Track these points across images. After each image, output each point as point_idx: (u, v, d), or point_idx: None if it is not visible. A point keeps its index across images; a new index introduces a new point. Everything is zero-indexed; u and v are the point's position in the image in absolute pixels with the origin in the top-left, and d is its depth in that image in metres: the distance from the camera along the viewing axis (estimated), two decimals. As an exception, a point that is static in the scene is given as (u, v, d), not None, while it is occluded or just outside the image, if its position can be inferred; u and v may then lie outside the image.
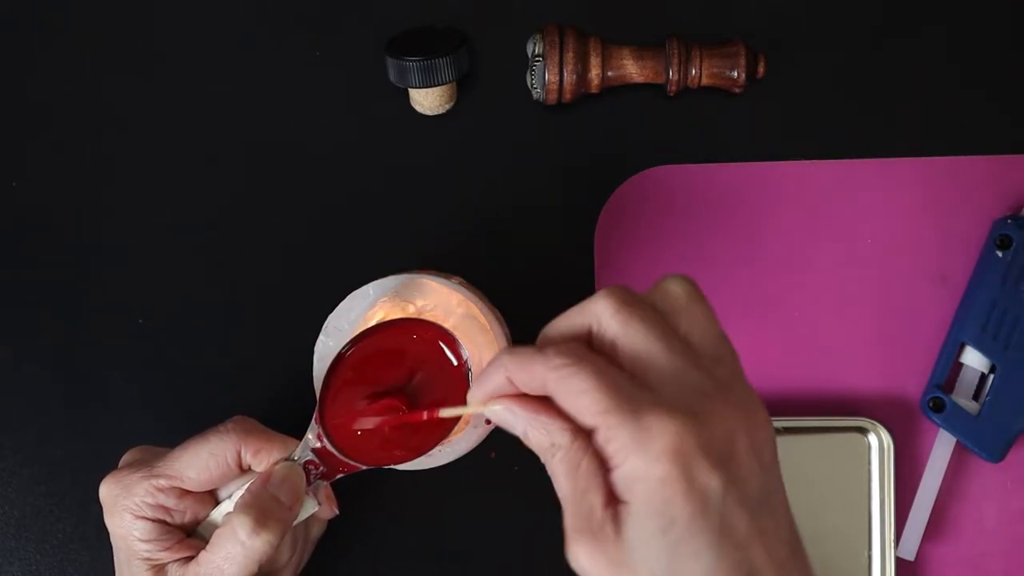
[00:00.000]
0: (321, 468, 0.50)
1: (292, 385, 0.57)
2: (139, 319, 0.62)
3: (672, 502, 0.36)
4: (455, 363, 0.49)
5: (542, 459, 0.40)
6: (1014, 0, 0.63)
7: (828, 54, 0.63)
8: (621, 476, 0.37)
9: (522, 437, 0.40)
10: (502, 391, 0.40)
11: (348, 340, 0.50)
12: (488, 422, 0.52)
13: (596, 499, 0.38)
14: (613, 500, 0.38)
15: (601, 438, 0.38)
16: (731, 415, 0.38)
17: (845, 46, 0.63)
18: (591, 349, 0.39)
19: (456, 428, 0.49)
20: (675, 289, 0.40)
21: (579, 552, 0.38)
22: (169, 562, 0.49)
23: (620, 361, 0.39)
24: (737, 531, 0.37)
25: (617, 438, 0.37)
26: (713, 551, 0.36)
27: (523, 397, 0.40)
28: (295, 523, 0.50)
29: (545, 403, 0.40)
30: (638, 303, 0.39)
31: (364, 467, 0.49)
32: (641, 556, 0.37)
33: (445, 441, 0.49)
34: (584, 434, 0.39)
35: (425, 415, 0.47)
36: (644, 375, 0.38)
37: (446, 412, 0.46)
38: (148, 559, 0.49)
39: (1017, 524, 0.62)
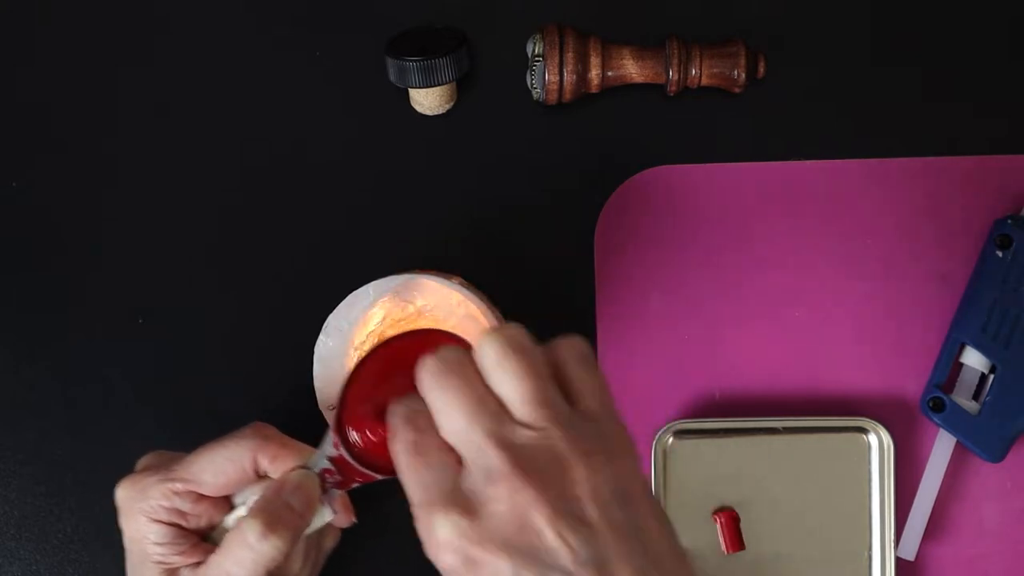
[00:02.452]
0: (337, 477, 0.49)
1: (292, 385, 0.57)
2: (139, 319, 0.62)
3: None
4: None
5: None
6: (1013, 0, 0.63)
7: (828, 54, 0.63)
8: None
9: None
10: None
11: (369, 348, 0.49)
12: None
13: None
14: None
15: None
16: (513, 495, 0.38)
17: (845, 46, 0.63)
18: (415, 427, 0.41)
19: None
20: (487, 349, 0.40)
21: None
22: (182, 566, 0.49)
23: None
24: None
25: (418, 528, 0.39)
26: None
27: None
28: (309, 531, 0.50)
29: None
30: (452, 368, 0.40)
31: (380, 477, 0.49)
32: None
33: None
34: None
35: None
36: (457, 450, 0.40)
37: None
38: (161, 562, 0.49)
39: (1017, 524, 0.62)
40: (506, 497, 0.38)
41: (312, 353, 0.53)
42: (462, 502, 0.38)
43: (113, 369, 0.62)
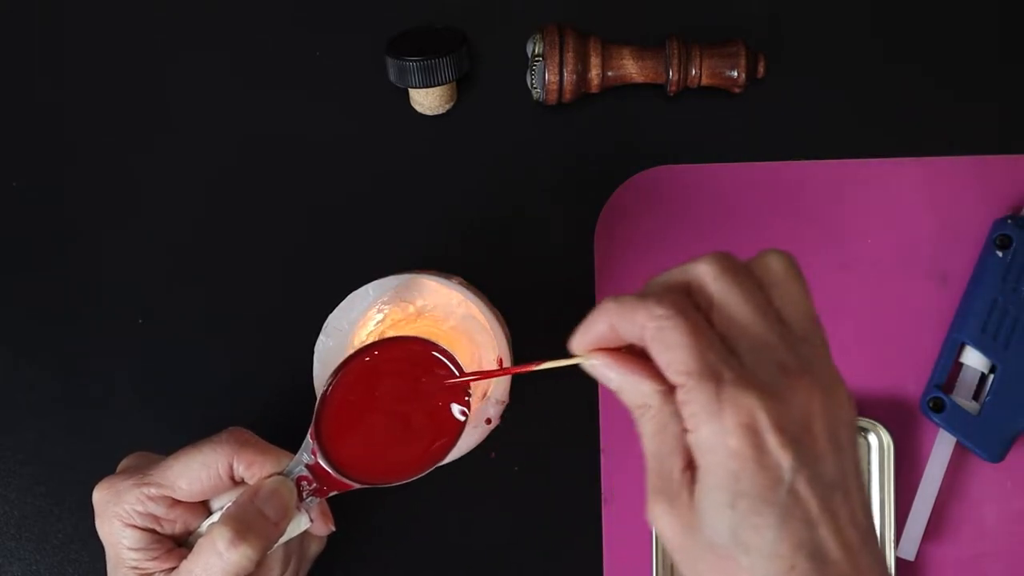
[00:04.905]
0: (314, 484, 0.49)
1: (292, 385, 0.57)
2: (139, 319, 0.62)
3: (741, 476, 0.37)
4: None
5: (632, 414, 0.41)
6: (1012, 1, 0.63)
7: (828, 54, 0.63)
8: (694, 441, 0.38)
9: (615, 392, 0.41)
10: (604, 337, 0.41)
11: (345, 356, 0.49)
12: (488, 422, 0.52)
13: (676, 463, 0.39)
14: (691, 465, 0.39)
15: (680, 398, 0.38)
16: (810, 395, 0.38)
17: (845, 46, 0.63)
18: (692, 306, 0.40)
19: (450, 453, 0.49)
20: (775, 263, 0.41)
21: (656, 511, 0.39)
22: (156, 571, 0.49)
23: (714, 323, 0.39)
24: (805, 510, 0.37)
25: (695, 402, 0.38)
26: (777, 527, 0.37)
27: (621, 354, 0.41)
28: (284, 539, 0.49)
29: (642, 363, 0.40)
30: (742, 270, 0.40)
31: (358, 485, 0.48)
32: (709, 523, 0.38)
33: (440, 462, 0.49)
34: (675, 398, 0.39)
35: (528, 368, 0.45)
36: (735, 341, 0.39)
37: (547, 365, 0.44)
38: (136, 568, 0.49)
39: (1017, 524, 0.62)
40: (803, 393, 0.38)
41: (312, 353, 0.53)
42: (761, 385, 0.37)
43: (113, 369, 0.62)
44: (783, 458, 0.37)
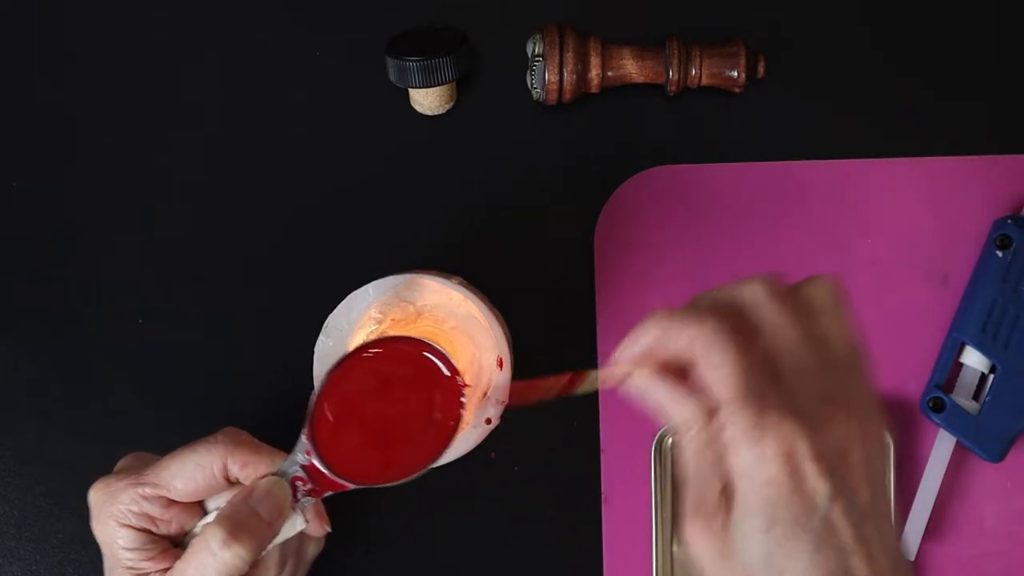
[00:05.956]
0: (309, 485, 0.49)
1: (292, 385, 0.57)
2: (139, 319, 0.62)
3: (777, 503, 0.37)
4: (448, 377, 0.49)
5: (676, 432, 0.42)
6: (1012, 1, 0.63)
7: (828, 54, 0.63)
8: (732, 464, 0.38)
9: (658, 408, 0.41)
10: (650, 349, 0.41)
11: (340, 356, 0.49)
12: (488, 422, 0.52)
13: (715, 484, 0.39)
14: (729, 488, 0.39)
15: (721, 420, 0.39)
16: (849, 426, 0.38)
17: (845, 46, 0.63)
18: (741, 327, 0.40)
19: (445, 451, 0.49)
20: (822, 291, 0.41)
21: (692, 533, 0.39)
22: (152, 572, 0.49)
23: (761, 346, 0.40)
24: (839, 538, 0.38)
25: (736, 426, 0.38)
26: (811, 554, 0.37)
27: (667, 372, 0.41)
28: (279, 540, 0.49)
29: (686, 382, 0.41)
30: (790, 295, 0.40)
31: (352, 486, 0.48)
32: (743, 547, 0.38)
33: (435, 462, 0.49)
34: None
35: (567, 379, 0.46)
36: (780, 366, 0.39)
37: (591, 375, 0.45)
38: (131, 568, 0.49)
39: (1017, 524, 0.62)
40: (842, 424, 0.38)
41: (312, 353, 0.53)
42: (802, 413, 0.38)
43: (113, 369, 0.62)
44: (820, 487, 0.37)
